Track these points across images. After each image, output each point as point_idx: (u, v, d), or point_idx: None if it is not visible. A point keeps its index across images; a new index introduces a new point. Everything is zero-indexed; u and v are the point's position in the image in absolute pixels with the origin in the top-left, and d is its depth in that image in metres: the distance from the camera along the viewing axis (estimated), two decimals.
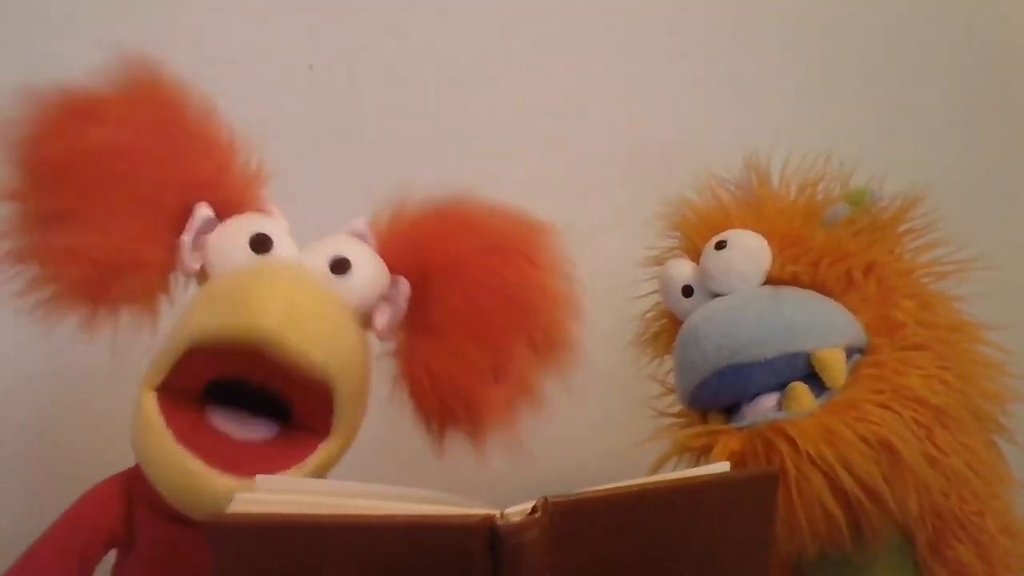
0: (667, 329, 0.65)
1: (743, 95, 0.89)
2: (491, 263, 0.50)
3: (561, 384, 0.52)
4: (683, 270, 0.61)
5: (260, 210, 0.52)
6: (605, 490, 0.39)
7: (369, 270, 0.50)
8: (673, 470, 0.58)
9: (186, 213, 0.49)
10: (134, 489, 0.50)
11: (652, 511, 0.40)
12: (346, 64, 0.80)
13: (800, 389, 0.54)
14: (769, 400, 0.55)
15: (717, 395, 0.57)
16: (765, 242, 0.58)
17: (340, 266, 0.50)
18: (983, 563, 0.53)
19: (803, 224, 0.59)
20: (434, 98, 0.82)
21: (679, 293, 0.60)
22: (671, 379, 0.64)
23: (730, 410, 0.57)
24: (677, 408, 0.63)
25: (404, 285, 0.52)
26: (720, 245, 0.59)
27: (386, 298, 0.52)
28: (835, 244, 0.57)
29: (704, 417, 0.59)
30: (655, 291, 0.65)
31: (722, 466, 0.45)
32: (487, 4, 0.85)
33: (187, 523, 0.46)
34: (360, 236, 0.53)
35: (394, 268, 0.52)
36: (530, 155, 0.84)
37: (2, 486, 0.70)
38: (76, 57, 0.46)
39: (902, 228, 0.59)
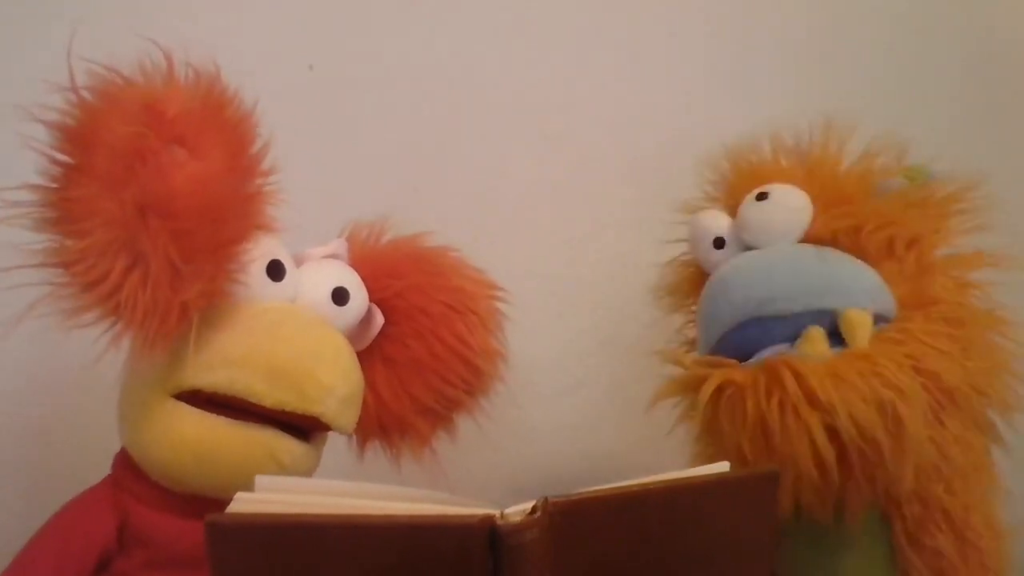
0: (691, 280, 0.64)
1: (743, 95, 0.89)
2: (451, 320, 0.56)
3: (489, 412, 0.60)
4: (716, 221, 0.60)
5: (269, 228, 0.53)
6: (605, 490, 0.39)
7: (360, 299, 0.55)
8: (676, 414, 0.58)
9: (241, 250, 0.49)
10: (125, 499, 0.50)
11: (652, 511, 0.40)
12: (346, 64, 0.80)
13: (817, 333, 0.53)
14: (782, 347, 0.54)
15: (739, 348, 0.56)
16: (808, 199, 0.57)
17: (341, 297, 0.53)
18: (961, 556, 0.53)
19: (854, 188, 0.58)
20: (434, 98, 0.82)
21: (710, 244, 0.59)
22: (689, 332, 0.63)
23: (743, 360, 0.56)
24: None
25: (379, 318, 0.56)
26: (761, 196, 0.58)
27: (362, 321, 0.55)
28: (882, 212, 0.56)
29: None
30: (679, 240, 0.64)
31: (722, 466, 0.45)
32: (487, 4, 0.85)
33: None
34: (339, 257, 0.56)
35: (371, 296, 0.56)
36: (530, 155, 0.84)
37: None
38: (73, 56, 0.46)
39: (952, 209, 0.58)
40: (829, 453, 0.49)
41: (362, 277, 0.55)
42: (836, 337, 0.53)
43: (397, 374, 0.56)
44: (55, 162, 0.45)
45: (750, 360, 0.55)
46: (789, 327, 0.54)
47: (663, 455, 0.61)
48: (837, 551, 0.55)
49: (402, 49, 0.82)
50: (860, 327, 0.52)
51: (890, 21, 0.94)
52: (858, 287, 0.55)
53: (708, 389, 0.53)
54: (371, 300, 0.56)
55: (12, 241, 0.44)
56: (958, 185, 0.59)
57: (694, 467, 0.46)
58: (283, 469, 0.49)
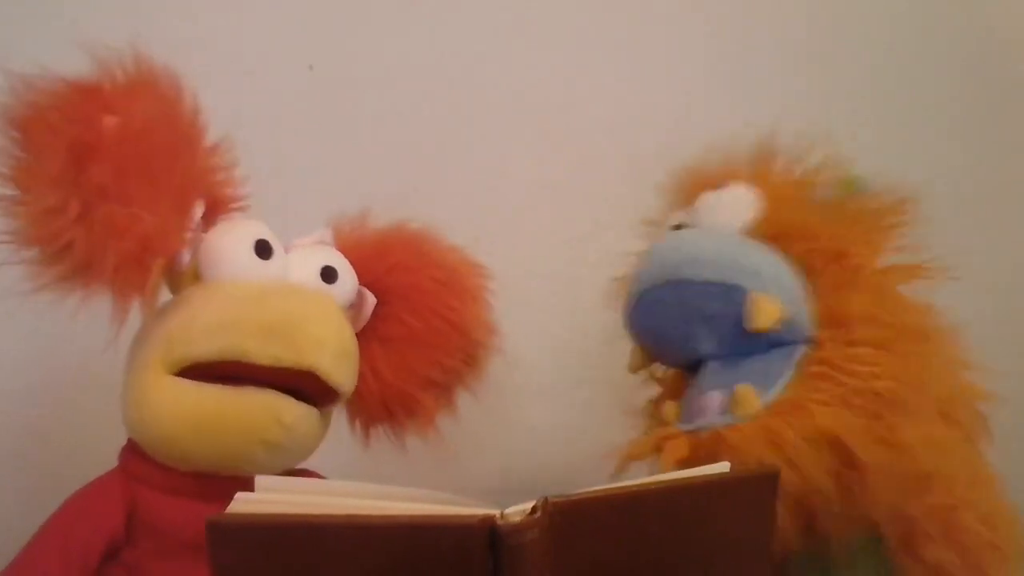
0: None
1: (743, 95, 0.89)
2: (443, 294, 0.58)
3: (487, 388, 0.61)
4: (678, 214, 0.63)
5: (242, 211, 0.54)
6: (605, 490, 0.39)
7: (349, 279, 0.55)
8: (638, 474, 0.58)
9: (187, 206, 0.50)
10: (133, 487, 0.50)
11: (652, 511, 0.40)
12: (346, 64, 0.80)
13: (744, 391, 0.54)
14: (715, 399, 0.55)
15: (654, 315, 0.58)
16: (757, 196, 0.59)
17: (329, 275, 0.54)
18: (961, 557, 0.52)
19: (792, 199, 0.59)
20: (434, 98, 0.82)
21: (670, 230, 0.62)
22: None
23: (690, 369, 0.58)
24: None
25: (371, 299, 0.57)
26: (717, 190, 0.60)
27: (353, 305, 0.56)
28: (807, 225, 0.58)
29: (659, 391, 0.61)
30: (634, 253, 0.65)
31: (722, 466, 0.45)
32: (487, 4, 0.85)
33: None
34: (325, 244, 0.57)
35: (360, 280, 0.57)
36: (530, 155, 0.84)
37: None
38: (73, 55, 0.46)
39: (884, 222, 0.58)
40: (788, 509, 0.49)
41: (351, 262, 0.56)
42: (744, 335, 0.55)
43: (396, 351, 0.57)
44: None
45: (687, 410, 0.57)
46: (701, 294, 0.56)
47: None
48: (838, 570, 0.55)
49: (402, 49, 0.82)
50: (763, 310, 0.54)
51: (890, 21, 0.94)
52: (771, 276, 0.56)
53: (665, 468, 0.54)
54: (361, 283, 0.56)
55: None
56: (892, 199, 0.59)
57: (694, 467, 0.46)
58: (286, 429, 0.49)
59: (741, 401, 0.54)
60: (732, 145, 0.64)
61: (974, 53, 0.96)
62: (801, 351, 0.55)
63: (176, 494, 0.50)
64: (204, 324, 0.49)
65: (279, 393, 0.49)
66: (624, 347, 0.64)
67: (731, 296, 0.55)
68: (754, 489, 0.44)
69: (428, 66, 0.82)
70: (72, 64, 0.46)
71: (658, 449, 0.56)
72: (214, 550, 0.35)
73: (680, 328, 0.58)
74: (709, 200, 0.60)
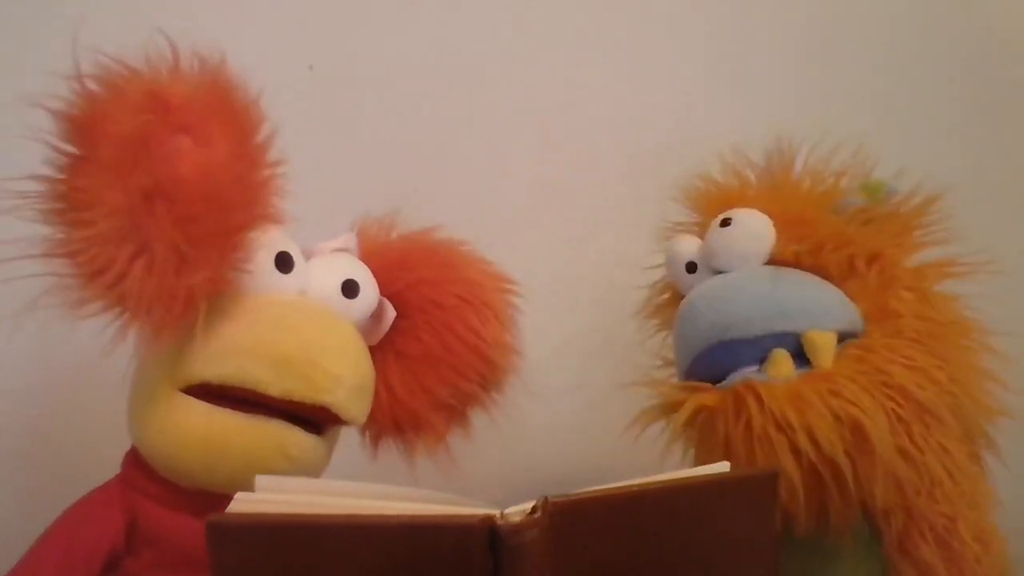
0: (670, 303, 0.66)
1: (743, 95, 0.89)
2: (465, 313, 0.56)
3: (500, 410, 0.59)
4: (688, 246, 0.62)
5: (277, 219, 0.52)
6: (605, 490, 0.39)
7: (371, 292, 0.54)
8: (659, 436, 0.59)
9: (244, 243, 0.48)
10: (134, 498, 0.50)
11: (652, 511, 0.40)
12: (346, 64, 0.80)
13: (781, 355, 0.55)
14: (751, 369, 0.56)
15: (710, 369, 0.58)
16: (770, 223, 0.59)
17: (351, 290, 0.52)
18: (947, 567, 0.53)
19: (814, 208, 0.59)
20: (434, 98, 0.82)
21: (683, 269, 0.61)
22: (669, 352, 0.65)
23: (717, 382, 0.58)
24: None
25: (391, 312, 0.55)
26: (725, 223, 0.59)
27: (373, 315, 0.55)
28: (841, 231, 0.58)
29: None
30: (660, 265, 0.66)
31: (722, 466, 0.45)
32: (487, 4, 0.85)
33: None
34: (348, 251, 0.55)
35: (382, 291, 0.55)
36: (530, 155, 0.84)
37: None
38: (76, 56, 0.46)
39: (915, 223, 0.59)
40: (795, 472, 0.51)
41: (372, 271, 0.55)
42: (804, 358, 0.55)
43: (410, 369, 0.56)
44: (60, 152, 0.45)
45: (724, 381, 0.57)
46: (755, 348, 0.56)
47: (663, 455, 0.61)
48: (831, 560, 0.56)
49: (402, 49, 0.82)
50: (821, 348, 0.54)
51: (890, 21, 0.94)
52: (818, 308, 0.56)
53: (682, 415, 0.56)
54: (382, 294, 0.55)
55: (16, 234, 0.44)
56: (919, 199, 0.60)
57: (694, 467, 0.46)
58: (291, 461, 0.49)
59: (777, 363, 0.54)
60: (744, 147, 0.64)
61: (974, 53, 0.96)
62: (846, 342, 0.55)
63: (176, 508, 0.49)
64: (218, 345, 0.47)
65: (288, 424, 0.48)
66: (624, 347, 0.64)
67: (786, 341, 0.55)
68: (754, 489, 0.44)
69: (428, 66, 0.82)
70: (77, 58, 0.45)
71: (677, 405, 0.56)
72: (214, 550, 0.35)
73: (739, 372, 0.57)
74: (720, 238, 0.59)
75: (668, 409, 0.59)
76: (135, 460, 0.51)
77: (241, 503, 0.37)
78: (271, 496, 0.38)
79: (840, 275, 0.57)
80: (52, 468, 0.69)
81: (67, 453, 0.69)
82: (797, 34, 0.92)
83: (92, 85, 0.45)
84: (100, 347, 0.46)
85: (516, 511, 0.38)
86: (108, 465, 0.52)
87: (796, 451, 0.51)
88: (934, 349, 0.54)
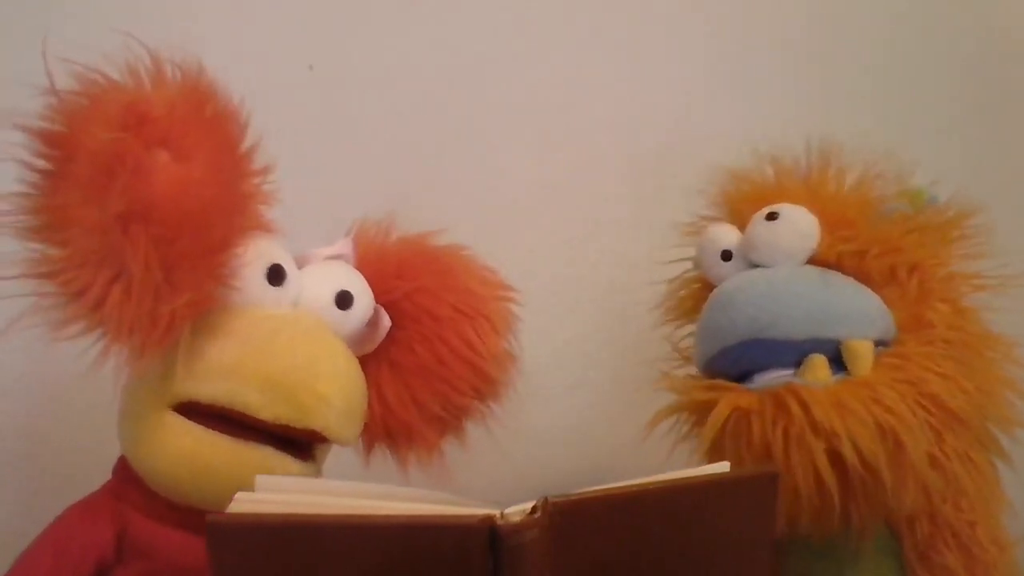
0: (695, 295, 0.64)
1: (744, 95, 0.89)
2: (460, 324, 0.54)
3: (497, 416, 0.58)
4: (728, 235, 0.60)
5: (267, 229, 0.51)
6: (605, 490, 0.39)
7: (366, 303, 0.53)
8: (673, 432, 0.59)
9: (230, 260, 0.47)
10: (124, 508, 0.49)
11: (652, 511, 0.40)
12: (346, 64, 0.80)
13: (819, 360, 0.54)
14: (784, 372, 0.55)
15: (737, 365, 0.57)
16: (816, 223, 0.58)
17: (345, 301, 0.52)
18: (968, 571, 0.54)
19: (857, 211, 0.59)
20: (434, 98, 0.82)
21: (718, 256, 0.60)
22: (686, 347, 0.64)
23: (740, 379, 0.57)
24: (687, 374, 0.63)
25: (386, 321, 0.54)
26: (771, 216, 0.58)
27: (369, 322, 0.54)
28: (886, 237, 0.57)
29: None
30: (683, 259, 0.65)
31: (722, 466, 0.45)
32: (487, 4, 0.85)
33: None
34: (344, 258, 0.55)
35: (377, 298, 0.54)
36: (530, 155, 0.84)
37: None
38: (73, 56, 0.46)
39: (953, 235, 0.59)
40: (831, 478, 0.51)
41: (368, 278, 0.54)
42: (837, 363, 0.55)
43: (403, 380, 0.55)
44: (35, 169, 0.43)
45: (752, 382, 0.56)
46: (792, 351, 0.55)
47: (663, 455, 0.61)
48: (848, 565, 0.56)
49: (402, 49, 0.82)
50: (862, 357, 0.54)
51: (890, 22, 0.94)
52: (861, 315, 0.55)
53: (719, 416, 0.54)
54: (378, 302, 0.54)
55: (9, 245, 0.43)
56: (957, 211, 0.59)
57: (694, 467, 0.46)
58: None
59: (815, 368, 0.54)
60: (744, 148, 0.64)
61: (974, 53, 0.96)
62: (880, 350, 0.55)
63: (167, 521, 0.48)
64: (208, 363, 0.46)
65: (275, 451, 0.48)
66: (624, 347, 0.64)
67: (824, 348, 0.55)
68: (754, 489, 0.44)
69: (428, 66, 0.82)
70: (67, 67, 0.45)
71: (712, 401, 0.55)
72: (214, 550, 0.35)
73: (769, 373, 0.56)
74: (765, 232, 0.58)
75: (691, 408, 0.58)
76: (125, 470, 0.50)
77: (241, 503, 0.37)
78: (270, 496, 0.38)
79: (882, 281, 0.57)
80: (52, 468, 0.69)
81: (67, 453, 0.69)
82: (797, 34, 0.92)
83: (67, 98, 0.43)
84: (95, 355, 0.46)
85: (516, 511, 0.38)
86: (108, 465, 0.52)
87: (833, 457, 0.50)
88: (963, 359, 0.54)
